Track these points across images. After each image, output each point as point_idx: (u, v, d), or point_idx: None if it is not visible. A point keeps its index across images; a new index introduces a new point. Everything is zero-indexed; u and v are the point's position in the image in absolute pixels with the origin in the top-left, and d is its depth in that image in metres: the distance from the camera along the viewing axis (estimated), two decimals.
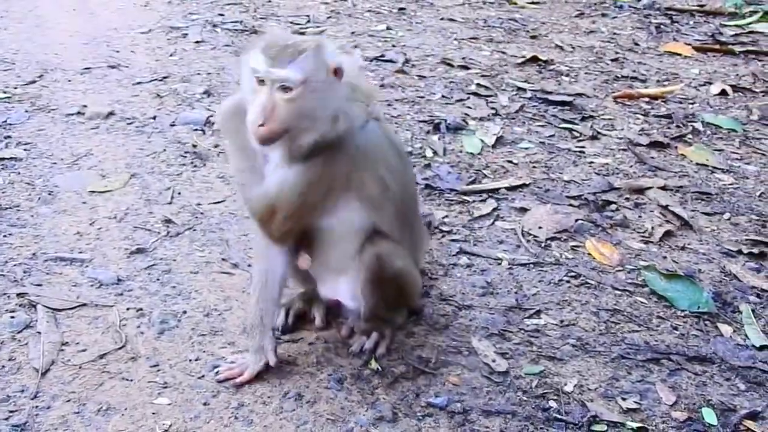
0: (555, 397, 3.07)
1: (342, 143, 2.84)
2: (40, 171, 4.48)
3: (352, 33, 7.25)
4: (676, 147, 5.33)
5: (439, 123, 5.41)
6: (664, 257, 4.06)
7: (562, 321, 3.53)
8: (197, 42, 6.72)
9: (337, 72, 2.80)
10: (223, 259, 3.83)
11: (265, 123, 2.71)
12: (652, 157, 5.16)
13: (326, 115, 2.79)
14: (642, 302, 3.70)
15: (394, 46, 6.94)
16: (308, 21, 7.50)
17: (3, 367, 3.06)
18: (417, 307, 3.51)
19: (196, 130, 5.10)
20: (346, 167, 2.89)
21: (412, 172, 3.61)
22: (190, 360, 3.16)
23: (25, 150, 4.68)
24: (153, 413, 2.89)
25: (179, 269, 3.73)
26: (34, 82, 5.67)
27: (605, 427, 2.93)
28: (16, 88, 5.53)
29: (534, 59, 6.82)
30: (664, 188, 4.72)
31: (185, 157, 4.75)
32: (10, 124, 4.97)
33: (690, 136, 5.54)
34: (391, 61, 6.57)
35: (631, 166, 5.03)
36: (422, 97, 5.87)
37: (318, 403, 2.98)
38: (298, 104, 2.74)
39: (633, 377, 3.21)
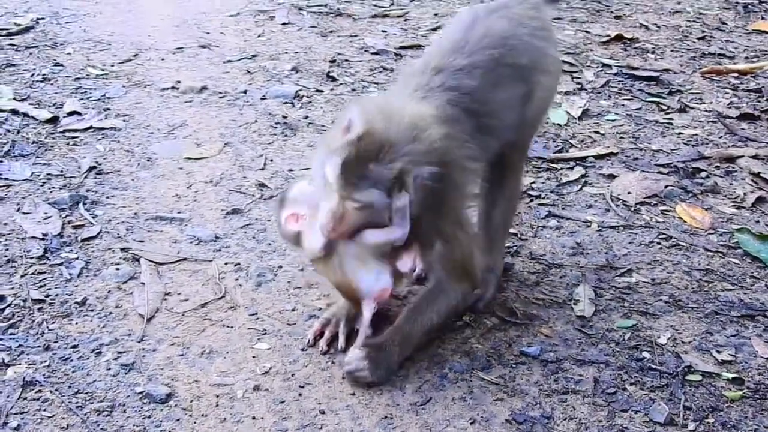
0: (648, 349, 3.08)
1: None
2: (138, 140, 4.62)
3: (435, 14, 7.27)
4: (767, 119, 5.25)
5: None
6: (757, 221, 4.02)
7: (653, 279, 3.53)
8: (284, 24, 6.81)
9: None
10: None
11: None
12: (743, 129, 5.09)
13: None
14: (735, 263, 3.68)
15: None
16: (392, 4, 7.54)
17: (110, 313, 3.20)
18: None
19: (285, 103, 5.20)
20: None
21: None
22: (288, 310, 3.26)
23: (123, 121, 4.83)
24: (253, 357, 3.00)
25: (274, 228, 3.81)
26: (129, 60, 5.83)
27: (700, 377, 2.94)
28: (113, 65, 5.69)
29: (619, 38, 6.75)
30: (755, 157, 4.66)
31: (276, 127, 4.85)
32: (109, 98, 5.13)
33: None
34: None
35: (720, 137, 4.97)
36: None
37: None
38: None
39: (728, 332, 3.20)
